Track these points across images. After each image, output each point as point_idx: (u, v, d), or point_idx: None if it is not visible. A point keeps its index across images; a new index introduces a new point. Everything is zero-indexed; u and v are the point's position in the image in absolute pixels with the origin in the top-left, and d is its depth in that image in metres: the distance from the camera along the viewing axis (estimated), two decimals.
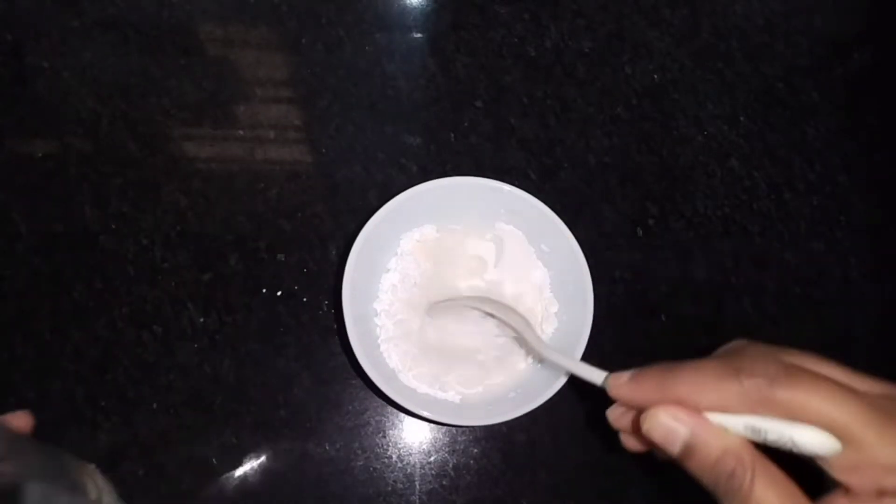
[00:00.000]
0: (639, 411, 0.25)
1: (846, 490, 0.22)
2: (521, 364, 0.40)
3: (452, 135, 0.50)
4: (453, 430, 0.44)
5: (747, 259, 0.49)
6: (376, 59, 0.51)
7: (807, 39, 0.55)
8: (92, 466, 0.34)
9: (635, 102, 0.52)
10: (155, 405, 0.43)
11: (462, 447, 0.44)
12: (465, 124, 0.50)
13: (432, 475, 0.43)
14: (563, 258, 0.40)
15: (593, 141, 0.51)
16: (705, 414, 0.23)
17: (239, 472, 0.42)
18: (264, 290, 0.45)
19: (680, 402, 0.24)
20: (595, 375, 0.29)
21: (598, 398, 0.45)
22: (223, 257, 0.46)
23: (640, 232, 0.49)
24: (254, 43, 0.51)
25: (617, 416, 0.28)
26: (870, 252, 0.50)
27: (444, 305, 0.40)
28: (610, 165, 0.50)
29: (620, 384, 0.26)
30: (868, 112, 0.54)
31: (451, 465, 0.43)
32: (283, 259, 0.46)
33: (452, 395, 0.39)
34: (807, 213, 0.50)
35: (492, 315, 0.39)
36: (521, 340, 0.39)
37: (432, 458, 0.43)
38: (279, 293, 0.45)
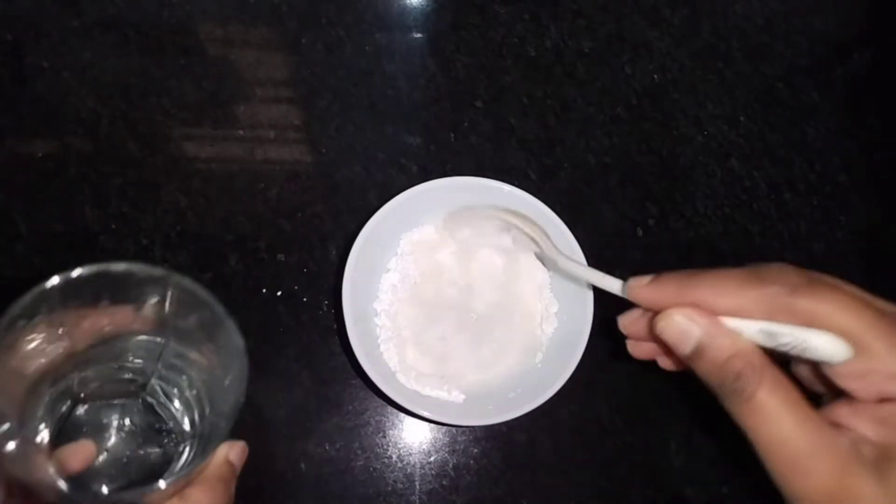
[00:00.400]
0: (653, 315, 0.26)
1: (849, 399, 0.23)
2: (520, 357, 0.40)
3: (452, 135, 0.50)
4: (453, 430, 0.44)
5: (747, 259, 0.49)
6: (376, 59, 0.51)
7: (807, 39, 0.55)
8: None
9: (635, 102, 0.52)
10: None
11: (462, 447, 0.44)
12: (465, 124, 0.50)
13: (432, 475, 0.43)
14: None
15: (593, 141, 0.51)
16: (721, 318, 0.24)
17: (239, 472, 0.42)
18: (264, 290, 0.45)
19: (697, 305, 0.24)
20: (612, 283, 0.30)
21: (598, 399, 0.45)
22: (223, 257, 0.46)
23: (640, 232, 0.49)
24: (254, 43, 0.51)
25: (629, 322, 0.29)
26: (870, 252, 0.50)
27: (462, 215, 0.40)
28: (610, 165, 0.50)
29: (640, 286, 0.26)
30: (868, 112, 0.54)
31: (451, 465, 0.43)
32: (283, 259, 0.46)
33: (453, 396, 0.39)
34: (807, 213, 0.50)
35: (510, 223, 0.38)
36: (539, 256, 0.38)
37: (432, 458, 0.43)
38: (279, 293, 0.45)
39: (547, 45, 0.53)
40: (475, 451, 0.44)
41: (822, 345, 0.22)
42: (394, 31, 0.52)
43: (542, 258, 0.39)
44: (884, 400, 0.22)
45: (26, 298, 0.23)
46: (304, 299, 0.45)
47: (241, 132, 0.49)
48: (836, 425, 0.23)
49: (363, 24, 0.52)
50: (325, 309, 0.45)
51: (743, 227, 0.50)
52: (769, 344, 0.23)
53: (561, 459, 0.44)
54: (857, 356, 0.22)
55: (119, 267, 0.25)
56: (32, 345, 0.26)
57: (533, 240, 0.37)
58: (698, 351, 0.24)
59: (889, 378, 0.22)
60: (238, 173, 0.48)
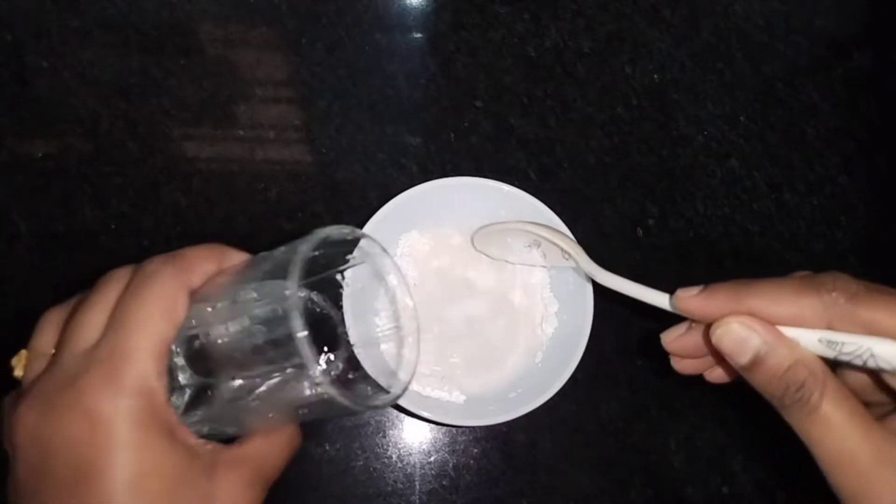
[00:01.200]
0: (706, 328, 0.25)
1: None
2: (520, 358, 0.40)
3: (452, 135, 0.50)
4: (453, 430, 0.44)
5: (747, 259, 0.49)
6: (376, 59, 0.51)
7: (807, 39, 0.55)
8: None
9: (635, 102, 0.52)
10: None
11: (462, 447, 0.44)
12: (465, 124, 0.50)
13: (432, 475, 0.43)
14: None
15: (593, 141, 0.51)
16: (779, 327, 0.23)
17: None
18: None
19: (753, 314, 0.24)
20: (658, 297, 0.29)
21: (598, 399, 0.45)
22: None
23: (640, 232, 0.49)
24: (254, 43, 0.51)
25: (672, 339, 0.28)
26: (870, 252, 0.50)
27: (490, 230, 0.39)
28: (610, 165, 0.50)
29: (690, 296, 0.26)
30: (868, 112, 0.54)
31: (451, 465, 0.43)
32: None
33: (453, 396, 0.39)
34: (807, 213, 0.50)
35: (540, 237, 0.38)
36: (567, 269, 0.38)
37: (432, 458, 0.43)
38: None
39: (547, 45, 0.53)
40: (475, 451, 0.44)
41: (888, 352, 0.22)
42: (394, 31, 0.52)
43: (578, 272, 0.38)
44: None
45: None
46: None
47: (241, 132, 0.49)
48: None
49: (363, 24, 0.52)
50: None
51: (743, 227, 0.50)
52: (829, 354, 0.23)
53: (561, 459, 0.44)
54: None
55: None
56: None
57: (567, 253, 0.37)
58: (757, 360, 0.23)
59: None
60: (238, 173, 0.48)
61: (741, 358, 0.24)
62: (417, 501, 0.43)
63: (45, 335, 0.28)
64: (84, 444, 0.22)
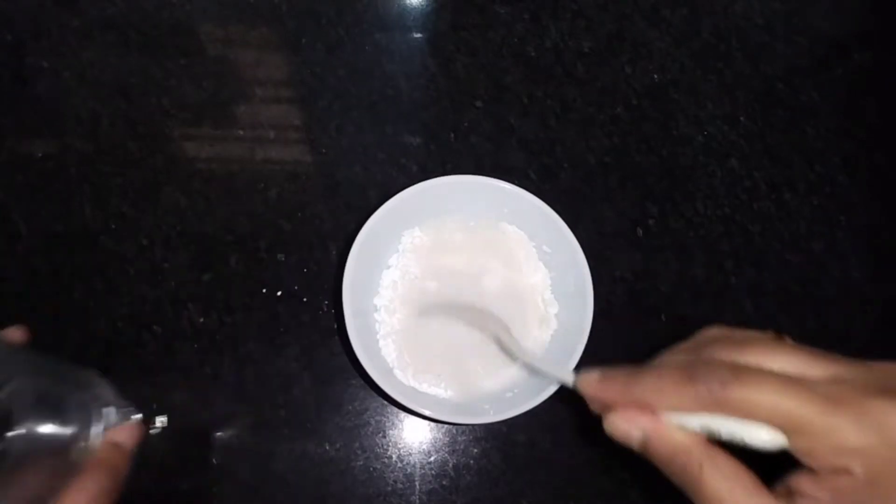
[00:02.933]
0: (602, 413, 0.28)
1: (810, 470, 0.24)
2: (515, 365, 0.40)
3: (452, 135, 0.50)
4: (453, 430, 0.44)
5: (747, 259, 0.49)
6: (376, 59, 0.51)
7: (807, 39, 0.55)
8: (93, 370, 0.35)
9: (635, 102, 0.52)
10: (155, 405, 0.43)
11: (462, 447, 0.44)
12: (465, 124, 0.50)
13: (432, 475, 0.43)
14: (564, 258, 0.40)
15: (593, 141, 0.51)
16: (667, 413, 0.26)
17: (239, 471, 0.42)
18: (264, 290, 0.45)
19: (643, 404, 0.26)
20: (565, 376, 0.31)
21: None
22: (223, 257, 0.46)
23: (640, 232, 0.49)
24: (254, 43, 0.51)
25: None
26: (870, 252, 0.50)
27: (435, 308, 0.41)
28: (610, 165, 0.50)
29: (589, 383, 0.28)
30: (868, 112, 0.54)
31: (451, 465, 0.43)
32: (283, 259, 0.46)
33: (451, 394, 0.39)
34: (807, 213, 0.50)
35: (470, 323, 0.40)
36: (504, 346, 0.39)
37: (432, 458, 0.43)
38: (279, 293, 0.45)
39: (547, 45, 0.53)
40: (475, 451, 0.44)
41: (757, 437, 0.24)
42: (394, 31, 0.52)
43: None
44: (837, 471, 0.23)
45: None
46: (304, 299, 0.45)
47: (241, 132, 0.49)
48: (800, 494, 0.24)
49: (363, 24, 0.52)
50: (325, 309, 0.45)
51: (743, 227, 0.50)
52: (712, 436, 0.25)
53: (561, 459, 0.44)
54: (801, 435, 0.23)
55: None
56: None
57: (495, 338, 0.38)
58: (643, 449, 0.26)
59: (834, 452, 0.23)
60: (238, 173, 0.48)
61: (631, 444, 0.27)
62: (417, 501, 0.43)
63: None
64: None
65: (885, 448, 0.22)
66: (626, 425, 0.27)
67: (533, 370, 0.38)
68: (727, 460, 0.25)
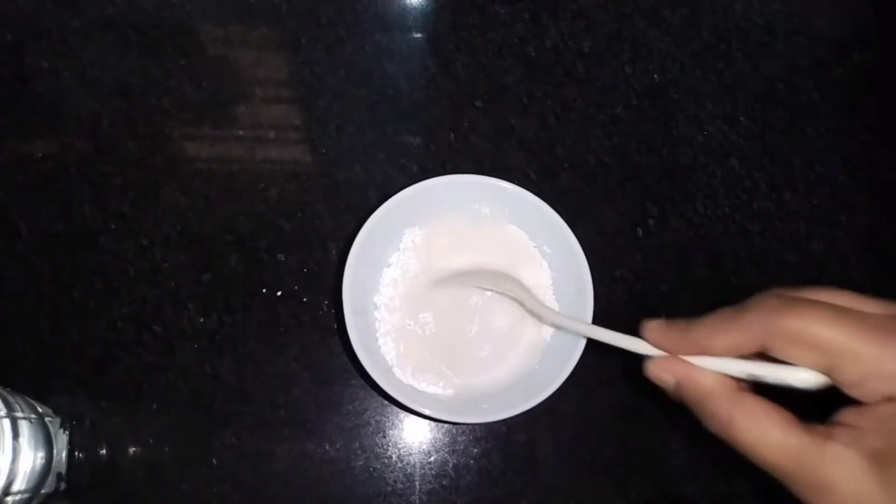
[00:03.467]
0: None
1: (857, 403, 0.24)
2: (519, 357, 0.40)
3: (452, 135, 0.50)
4: (453, 429, 0.44)
5: (747, 259, 0.49)
6: (376, 59, 0.51)
7: (807, 39, 0.55)
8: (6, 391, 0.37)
9: (635, 102, 0.52)
10: (155, 405, 0.43)
11: (462, 447, 0.44)
12: (465, 124, 0.50)
13: (432, 475, 0.43)
14: (565, 259, 0.40)
15: (593, 141, 0.51)
16: (715, 359, 0.27)
17: (239, 471, 0.42)
18: (264, 290, 0.45)
19: (701, 349, 0.27)
20: (587, 330, 0.33)
21: (598, 399, 0.45)
22: (223, 257, 0.46)
23: (640, 232, 0.49)
24: (254, 43, 0.51)
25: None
26: (870, 252, 0.50)
27: (449, 277, 0.41)
28: (610, 165, 0.50)
29: (652, 331, 0.30)
30: (868, 112, 0.54)
31: (451, 465, 0.43)
32: (283, 259, 0.46)
33: (449, 392, 0.39)
34: (807, 213, 0.50)
35: (493, 290, 0.40)
36: (530, 313, 0.40)
37: (432, 458, 0.43)
38: (279, 293, 0.45)
39: (547, 45, 0.53)
40: (475, 451, 0.44)
41: (797, 379, 0.25)
42: (394, 31, 0.52)
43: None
44: (890, 399, 0.23)
45: None
46: (304, 299, 0.45)
47: (241, 132, 0.49)
48: (843, 425, 0.23)
49: (363, 24, 0.52)
50: (325, 309, 0.45)
51: (743, 227, 0.50)
52: (756, 379, 0.26)
53: (561, 459, 0.44)
54: (847, 367, 0.23)
55: None
56: None
57: (522, 304, 0.39)
58: (678, 393, 0.28)
59: (881, 380, 0.23)
60: (238, 173, 0.48)
61: (668, 390, 0.28)
62: (417, 501, 0.43)
63: None
64: None
65: None
66: (660, 372, 0.28)
67: (559, 327, 0.39)
68: (757, 402, 0.25)
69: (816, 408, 0.25)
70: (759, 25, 0.55)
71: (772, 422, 0.24)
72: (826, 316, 0.23)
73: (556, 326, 0.40)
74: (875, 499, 0.22)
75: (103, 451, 0.42)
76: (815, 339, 0.23)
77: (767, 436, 0.24)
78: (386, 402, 0.44)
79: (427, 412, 0.36)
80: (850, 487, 0.22)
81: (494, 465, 0.43)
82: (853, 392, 0.23)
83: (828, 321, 0.23)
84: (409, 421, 0.44)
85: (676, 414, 0.45)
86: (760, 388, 0.27)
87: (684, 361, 0.27)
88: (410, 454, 0.43)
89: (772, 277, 0.49)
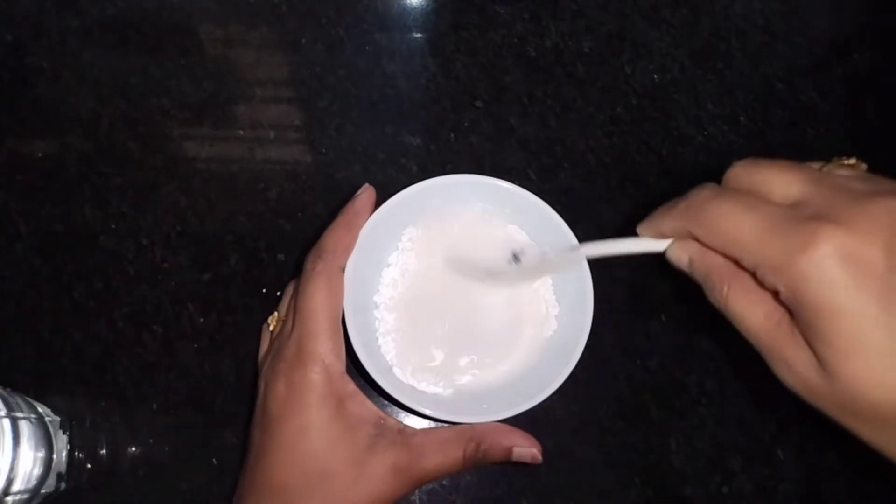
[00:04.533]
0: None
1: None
2: (519, 357, 0.40)
3: (452, 135, 0.50)
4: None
5: None
6: (376, 59, 0.51)
7: (807, 39, 0.55)
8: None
9: (635, 102, 0.52)
10: (155, 405, 0.43)
11: None
12: (465, 124, 0.50)
13: None
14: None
15: (593, 141, 0.51)
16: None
17: (239, 472, 0.42)
18: (264, 290, 0.45)
19: (659, 233, 0.32)
20: (649, 244, 0.34)
21: (598, 399, 0.45)
22: (223, 257, 0.46)
23: (641, 232, 0.49)
24: (254, 43, 0.51)
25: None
26: None
27: (447, 279, 0.41)
28: (610, 165, 0.50)
29: (643, 228, 0.33)
30: (868, 112, 0.54)
31: None
32: (283, 259, 0.46)
33: (449, 392, 0.39)
34: None
35: (492, 280, 0.41)
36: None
37: None
38: (279, 293, 0.45)
39: (547, 45, 0.53)
40: None
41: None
42: (394, 31, 0.52)
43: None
44: (774, 291, 0.26)
45: None
46: None
47: (241, 132, 0.49)
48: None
49: (363, 24, 0.52)
50: None
51: None
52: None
53: (561, 459, 0.44)
54: (746, 255, 0.27)
55: None
56: None
57: (539, 271, 0.40)
58: (690, 270, 0.31)
59: (769, 271, 0.26)
60: (238, 173, 0.48)
61: (683, 268, 0.31)
62: (417, 501, 0.43)
63: (284, 303, 0.38)
64: (280, 399, 0.33)
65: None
66: (679, 252, 0.31)
67: (561, 270, 0.40)
68: (751, 281, 0.27)
69: None
70: (758, 25, 0.55)
71: (759, 298, 0.27)
72: (733, 209, 0.27)
73: (559, 271, 0.40)
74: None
75: (103, 451, 0.42)
76: (720, 230, 0.27)
77: (752, 309, 0.27)
78: (386, 402, 0.44)
79: (427, 412, 0.36)
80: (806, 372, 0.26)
81: (494, 465, 0.43)
82: (763, 281, 0.26)
83: (733, 215, 0.26)
84: (409, 421, 0.44)
85: (676, 414, 0.46)
86: None
87: (698, 244, 0.29)
88: None
89: None
